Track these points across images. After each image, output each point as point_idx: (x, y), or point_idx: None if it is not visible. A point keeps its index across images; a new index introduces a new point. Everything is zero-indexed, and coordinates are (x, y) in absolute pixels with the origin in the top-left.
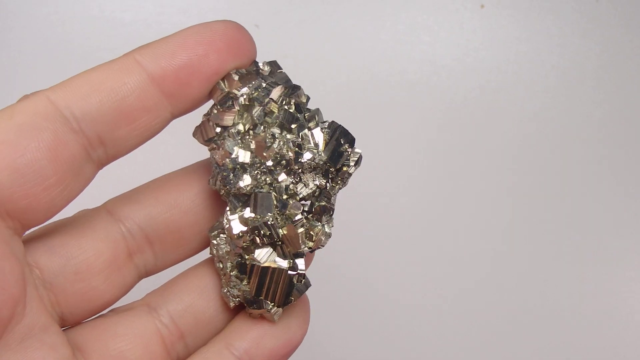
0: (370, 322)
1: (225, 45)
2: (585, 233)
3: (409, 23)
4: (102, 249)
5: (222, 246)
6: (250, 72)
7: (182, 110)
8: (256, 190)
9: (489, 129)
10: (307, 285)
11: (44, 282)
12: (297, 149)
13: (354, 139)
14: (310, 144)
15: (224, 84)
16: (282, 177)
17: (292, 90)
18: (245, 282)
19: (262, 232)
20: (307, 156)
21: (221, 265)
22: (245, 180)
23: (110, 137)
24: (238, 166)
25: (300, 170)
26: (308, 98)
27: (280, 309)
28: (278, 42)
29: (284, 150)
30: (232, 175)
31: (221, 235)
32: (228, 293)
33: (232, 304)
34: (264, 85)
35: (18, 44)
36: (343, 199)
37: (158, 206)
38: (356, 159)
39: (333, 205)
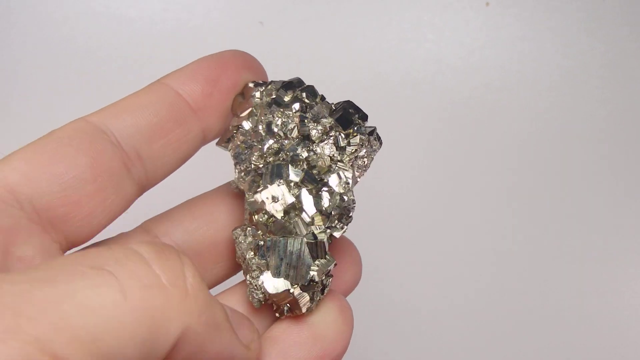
0: (370, 323)
1: (238, 64)
2: (588, 232)
3: (414, 21)
4: None
5: (243, 239)
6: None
7: (210, 125)
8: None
9: (493, 127)
10: (331, 261)
11: None
12: (302, 112)
13: (367, 116)
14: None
15: (242, 97)
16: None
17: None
18: (264, 265)
19: (278, 197)
20: (313, 111)
21: (243, 261)
22: (268, 142)
23: (146, 150)
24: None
25: (311, 138)
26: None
27: (307, 296)
28: (282, 40)
29: (290, 120)
30: (255, 142)
31: (243, 231)
32: (252, 293)
33: (256, 304)
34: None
35: (22, 40)
36: None
37: (194, 222)
38: (370, 131)
39: (351, 204)
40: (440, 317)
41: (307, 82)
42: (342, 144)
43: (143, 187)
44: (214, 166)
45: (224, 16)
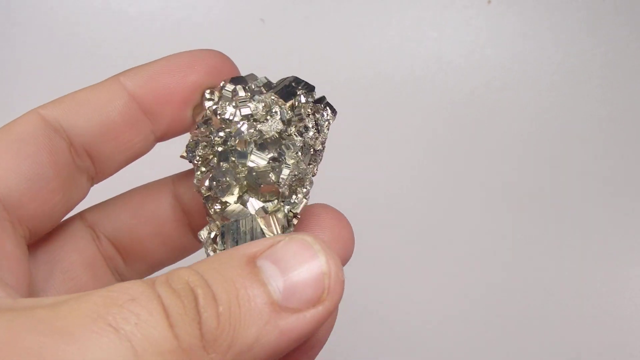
0: (370, 322)
1: (204, 70)
2: (588, 231)
3: (415, 20)
4: (82, 248)
5: (206, 236)
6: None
7: (163, 130)
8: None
9: (493, 126)
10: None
11: (37, 291)
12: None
13: (313, 87)
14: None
15: (209, 96)
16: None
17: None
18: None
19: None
20: (253, 91)
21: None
22: (217, 134)
23: (96, 150)
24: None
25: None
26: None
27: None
28: (284, 38)
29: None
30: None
31: (206, 230)
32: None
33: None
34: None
35: (22, 37)
36: (344, 196)
37: (123, 215)
38: (317, 99)
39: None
40: (439, 317)
41: (308, 80)
42: (286, 117)
43: (93, 181)
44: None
45: (225, 13)
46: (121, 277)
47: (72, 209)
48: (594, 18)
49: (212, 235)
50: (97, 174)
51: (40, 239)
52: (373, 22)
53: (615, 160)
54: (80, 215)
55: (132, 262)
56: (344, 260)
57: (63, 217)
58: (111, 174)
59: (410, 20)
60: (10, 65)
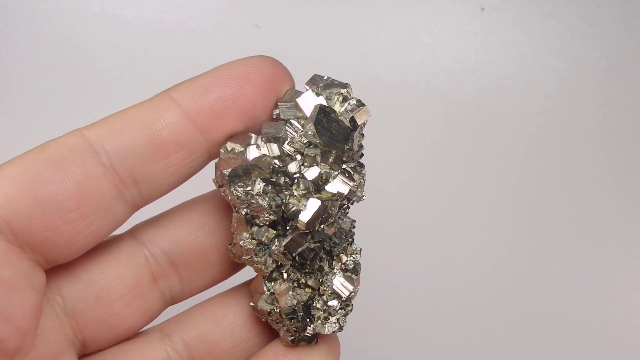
0: (366, 321)
1: (260, 79)
2: (584, 236)
3: (409, 25)
4: (124, 273)
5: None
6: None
7: (218, 146)
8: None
9: (488, 131)
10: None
11: (65, 309)
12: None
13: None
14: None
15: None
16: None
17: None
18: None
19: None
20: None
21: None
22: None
23: (143, 174)
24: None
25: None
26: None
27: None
28: (278, 42)
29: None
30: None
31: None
32: (260, 304)
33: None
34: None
35: (18, 40)
36: None
37: (183, 229)
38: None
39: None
40: (437, 317)
41: (303, 85)
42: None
43: (138, 206)
44: (204, 172)
45: (220, 18)
46: (173, 298)
47: (103, 238)
48: (587, 24)
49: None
50: (143, 200)
51: (83, 255)
52: (367, 27)
53: (611, 165)
54: (131, 232)
55: (190, 279)
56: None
57: (90, 246)
58: (159, 197)
59: (404, 26)
60: (6, 67)
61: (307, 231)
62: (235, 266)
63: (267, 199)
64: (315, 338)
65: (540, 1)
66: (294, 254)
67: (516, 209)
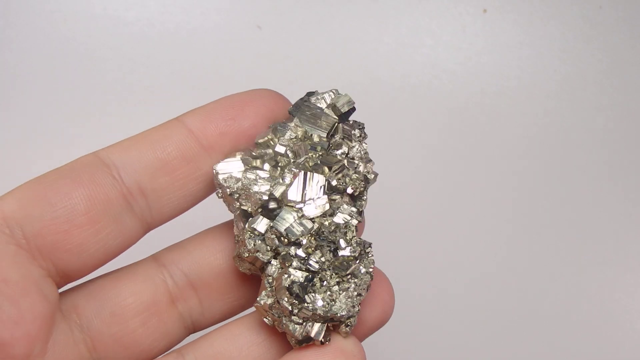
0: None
1: (262, 104)
2: (585, 237)
3: (412, 26)
4: (139, 291)
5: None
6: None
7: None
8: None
9: (490, 132)
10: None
11: (81, 326)
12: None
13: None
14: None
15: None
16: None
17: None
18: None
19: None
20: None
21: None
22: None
23: (150, 186)
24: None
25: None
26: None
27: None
28: (280, 43)
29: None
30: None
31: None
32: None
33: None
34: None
35: (20, 41)
36: None
37: (203, 250)
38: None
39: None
40: (437, 317)
41: (305, 87)
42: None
43: (148, 224)
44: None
45: (222, 20)
46: (193, 323)
47: (117, 253)
48: (589, 26)
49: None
50: (153, 216)
51: (102, 275)
52: (369, 29)
53: (613, 167)
54: (153, 256)
55: (210, 302)
56: (383, 322)
57: (104, 260)
58: (170, 217)
59: (407, 27)
60: (9, 69)
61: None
62: (256, 292)
63: (255, 180)
64: (327, 336)
65: (542, 2)
66: (283, 231)
67: (519, 210)
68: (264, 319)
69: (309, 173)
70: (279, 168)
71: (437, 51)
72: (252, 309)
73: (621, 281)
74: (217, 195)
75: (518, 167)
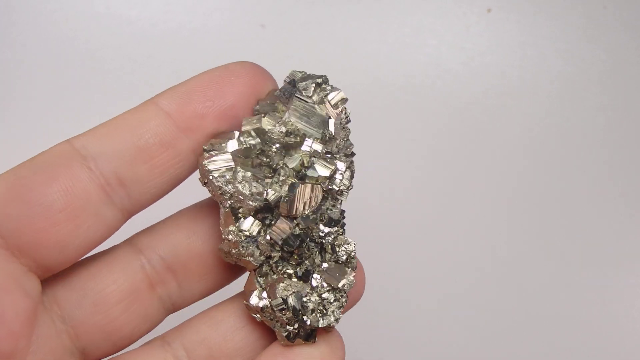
0: (365, 323)
1: (240, 80)
2: (586, 237)
3: (415, 26)
4: (119, 278)
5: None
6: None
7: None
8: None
9: (493, 132)
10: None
11: (63, 318)
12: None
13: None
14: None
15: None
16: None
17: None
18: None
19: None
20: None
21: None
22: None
23: (129, 176)
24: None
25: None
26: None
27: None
28: (283, 43)
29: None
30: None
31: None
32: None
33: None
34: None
35: (22, 40)
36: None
37: (179, 233)
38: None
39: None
40: (437, 317)
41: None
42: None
43: (129, 212)
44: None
45: (225, 18)
46: (172, 305)
47: (98, 243)
48: (593, 26)
49: (261, 304)
50: (133, 204)
51: (79, 264)
52: (372, 29)
53: (615, 167)
54: (128, 241)
55: (189, 284)
56: (354, 302)
57: (86, 250)
58: (150, 202)
59: (410, 27)
60: (11, 68)
61: (290, 216)
62: (235, 272)
63: (247, 185)
64: (313, 336)
65: (546, 2)
66: (280, 242)
67: (521, 210)
68: (254, 315)
69: (301, 186)
70: (268, 166)
71: (441, 51)
72: (231, 286)
73: (622, 281)
74: (201, 183)
75: (520, 167)
